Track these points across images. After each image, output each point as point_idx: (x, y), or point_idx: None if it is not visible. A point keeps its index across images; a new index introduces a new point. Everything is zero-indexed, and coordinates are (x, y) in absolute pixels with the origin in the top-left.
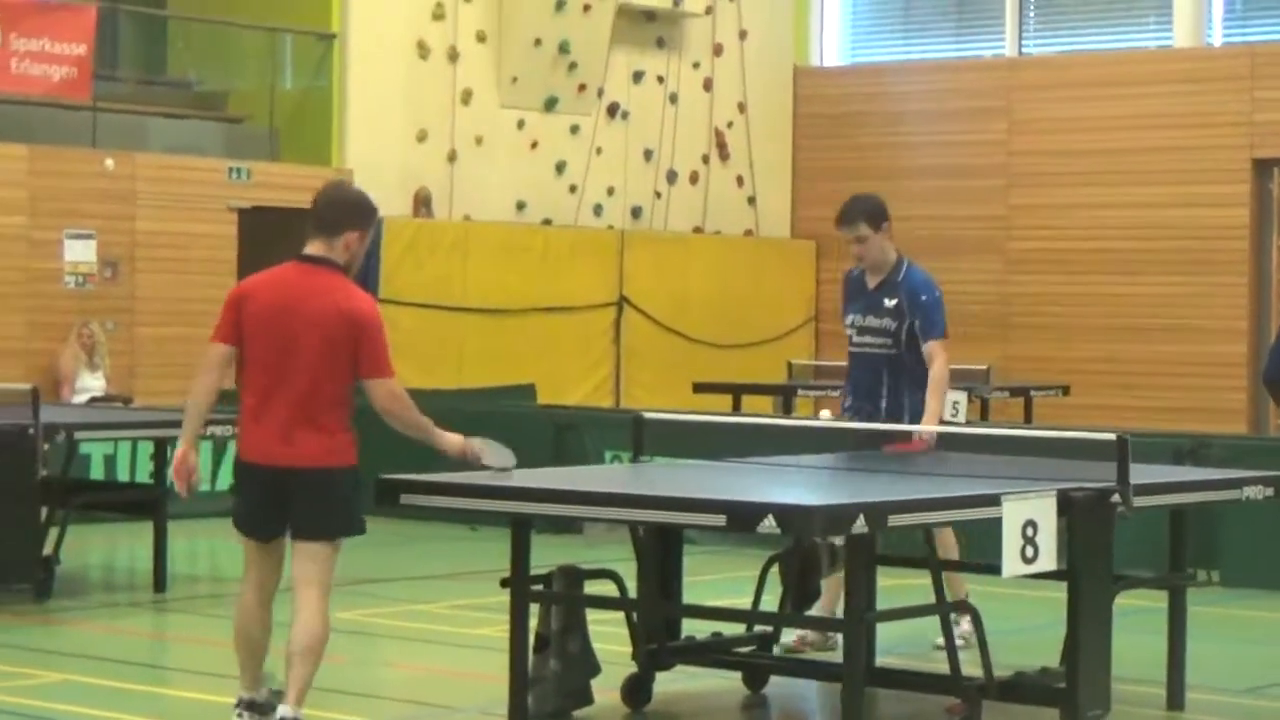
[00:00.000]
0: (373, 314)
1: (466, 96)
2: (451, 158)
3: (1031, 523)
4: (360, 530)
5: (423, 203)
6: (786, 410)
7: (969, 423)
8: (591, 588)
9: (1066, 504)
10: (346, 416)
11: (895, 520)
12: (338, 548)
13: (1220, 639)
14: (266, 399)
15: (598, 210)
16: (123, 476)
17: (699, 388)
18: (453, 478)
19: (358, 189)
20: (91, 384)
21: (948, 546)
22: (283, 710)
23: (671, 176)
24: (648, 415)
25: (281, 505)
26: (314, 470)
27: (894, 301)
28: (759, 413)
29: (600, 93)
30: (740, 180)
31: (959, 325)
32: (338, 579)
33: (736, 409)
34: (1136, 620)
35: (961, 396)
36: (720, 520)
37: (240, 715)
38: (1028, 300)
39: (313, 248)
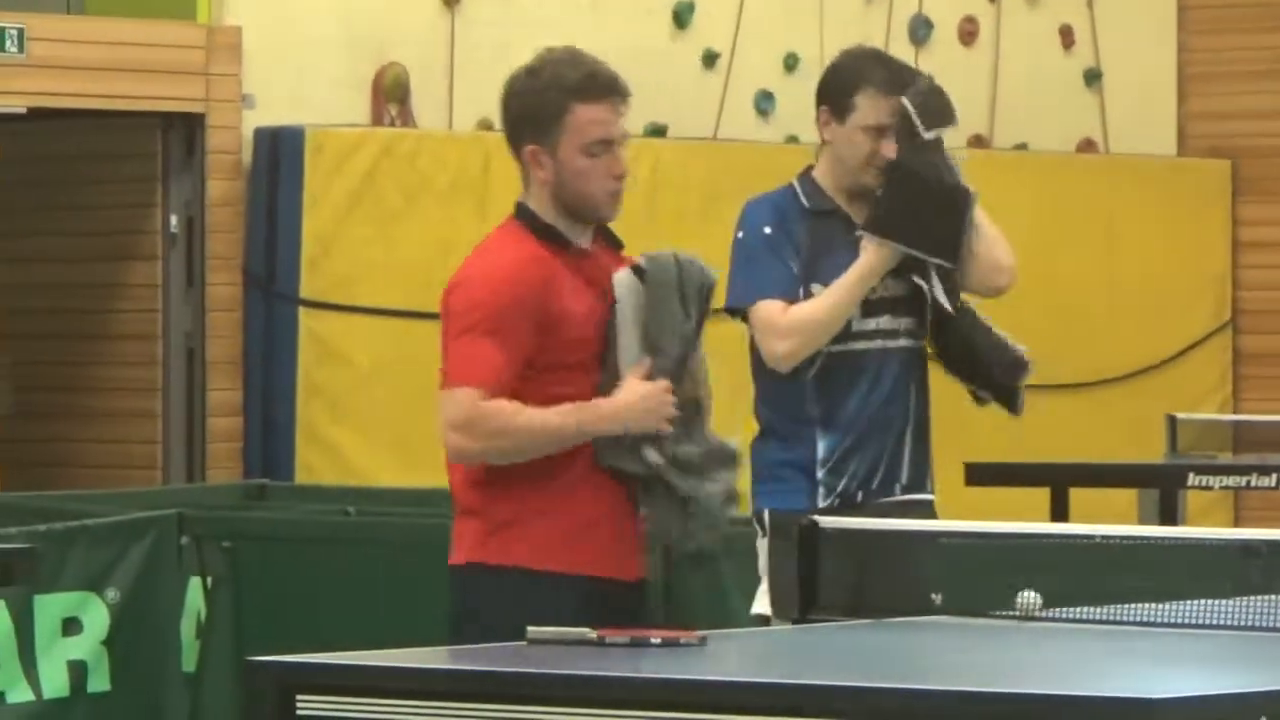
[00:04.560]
0: (461, 283)
1: None
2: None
3: None
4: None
5: (392, 94)
6: (1165, 517)
7: None
8: None
9: None
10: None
11: None
12: None
13: None
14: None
15: (762, 113)
16: None
17: (975, 473)
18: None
19: (578, 58)
20: None
21: None
22: None
23: (920, 29)
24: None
25: None
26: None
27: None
28: (1100, 524)
29: None
30: (1067, 36)
31: None
32: None
33: (1058, 511)
34: None
35: None
36: None
37: None
38: None
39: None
